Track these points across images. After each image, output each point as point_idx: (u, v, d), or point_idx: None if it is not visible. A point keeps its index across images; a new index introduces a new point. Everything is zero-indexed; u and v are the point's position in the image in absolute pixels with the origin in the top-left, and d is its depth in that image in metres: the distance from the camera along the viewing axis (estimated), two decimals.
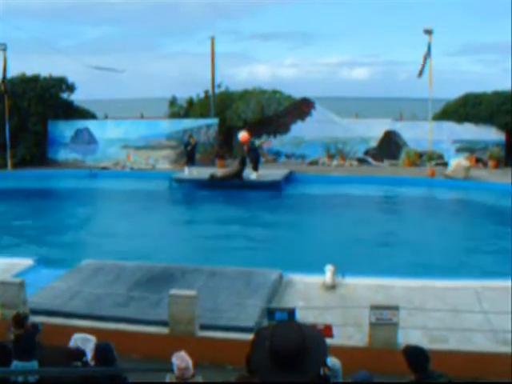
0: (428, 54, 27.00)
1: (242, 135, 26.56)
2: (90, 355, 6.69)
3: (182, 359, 6.38)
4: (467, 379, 8.38)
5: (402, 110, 35.38)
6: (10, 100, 30.19)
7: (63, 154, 31.95)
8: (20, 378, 6.16)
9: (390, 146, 30.23)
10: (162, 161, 30.86)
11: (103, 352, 6.39)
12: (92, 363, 6.54)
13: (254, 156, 26.33)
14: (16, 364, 6.79)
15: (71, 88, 33.14)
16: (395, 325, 9.32)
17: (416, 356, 6.12)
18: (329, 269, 12.24)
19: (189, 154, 27.59)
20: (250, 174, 25.84)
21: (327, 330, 9.15)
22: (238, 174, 25.55)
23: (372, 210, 22.46)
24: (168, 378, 6.54)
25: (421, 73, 27.32)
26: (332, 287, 12.18)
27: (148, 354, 9.53)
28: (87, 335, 7.60)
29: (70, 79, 33.12)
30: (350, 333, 10.07)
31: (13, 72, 31.75)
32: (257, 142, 28.75)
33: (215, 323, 10.25)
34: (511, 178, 24.17)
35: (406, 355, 6.18)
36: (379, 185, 25.97)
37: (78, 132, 31.96)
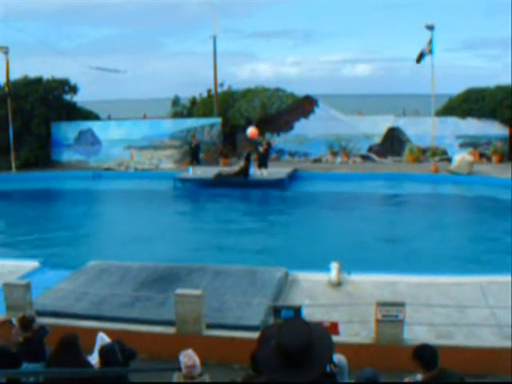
0: (429, 49, 26.93)
1: (251, 131, 26.48)
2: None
3: (189, 357, 6.38)
4: (474, 375, 8.37)
5: (405, 106, 35.36)
6: (13, 102, 30.24)
7: (67, 156, 32.02)
8: (31, 379, 6.18)
9: (393, 142, 30.22)
10: (166, 160, 30.90)
11: (106, 355, 6.40)
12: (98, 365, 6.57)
13: (266, 153, 26.41)
14: (26, 366, 6.81)
15: (74, 89, 33.23)
16: (401, 321, 9.31)
17: (424, 353, 6.07)
18: (334, 266, 12.24)
19: (193, 153, 27.64)
20: (263, 171, 25.89)
21: (333, 328, 9.16)
22: (244, 172, 25.59)
23: (376, 207, 22.45)
24: (175, 376, 6.54)
25: (419, 59, 27.19)
26: (338, 284, 12.18)
27: (155, 353, 9.55)
28: (105, 336, 7.67)
29: (73, 81, 33.29)
30: (357, 330, 10.07)
31: (15, 74, 31.89)
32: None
33: (221, 322, 10.26)
34: None
35: (415, 355, 6.14)
36: (383, 181, 25.98)
37: (82, 133, 32.04)
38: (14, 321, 7.31)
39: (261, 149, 26.37)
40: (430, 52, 26.90)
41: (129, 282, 12.32)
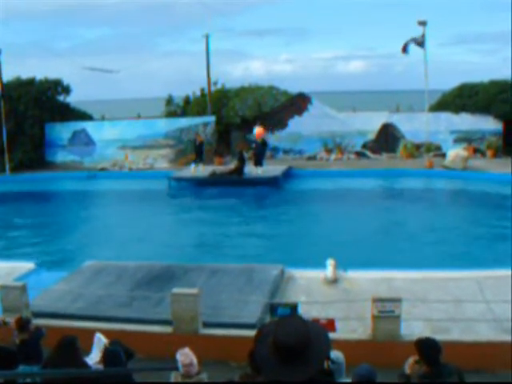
0: (420, 41, 26.99)
1: (257, 130, 26.79)
2: (98, 355, 6.70)
3: (186, 356, 6.38)
4: (471, 369, 8.37)
5: (399, 103, 35.37)
6: (7, 104, 30.14)
7: (61, 157, 31.93)
8: (28, 380, 6.17)
9: (387, 138, 30.25)
10: (160, 160, 30.85)
11: (111, 358, 6.37)
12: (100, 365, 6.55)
13: (262, 151, 26.45)
14: (23, 368, 6.80)
15: (67, 90, 33.13)
16: (398, 317, 9.32)
17: (428, 348, 6.08)
18: (330, 263, 12.25)
19: (197, 150, 27.63)
20: (257, 169, 25.90)
21: (330, 325, 9.16)
22: (239, 170, 25.59)
23: (371, 203, 22.44)
24: (173, 376, 6.54)
25: (404, 49, 27.33)
26: (334, 281, 12.19)
27: (152, 353, 9.53)
28: (102, 336, 7.66)
29: (66, 81, 33.17)
30: (353, 326, 10.07)
31: (8, 76, 31.77)
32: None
33: (218, 320, 10.26)
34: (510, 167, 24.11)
35: (417, 347, 6.14)
36: (378, 178, 25.98)
37: (76, 134, 31.94)
38: (11, 322, 7.31)
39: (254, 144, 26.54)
40: (423, 43, 26.98)
41: (125, 281, 12.31)
